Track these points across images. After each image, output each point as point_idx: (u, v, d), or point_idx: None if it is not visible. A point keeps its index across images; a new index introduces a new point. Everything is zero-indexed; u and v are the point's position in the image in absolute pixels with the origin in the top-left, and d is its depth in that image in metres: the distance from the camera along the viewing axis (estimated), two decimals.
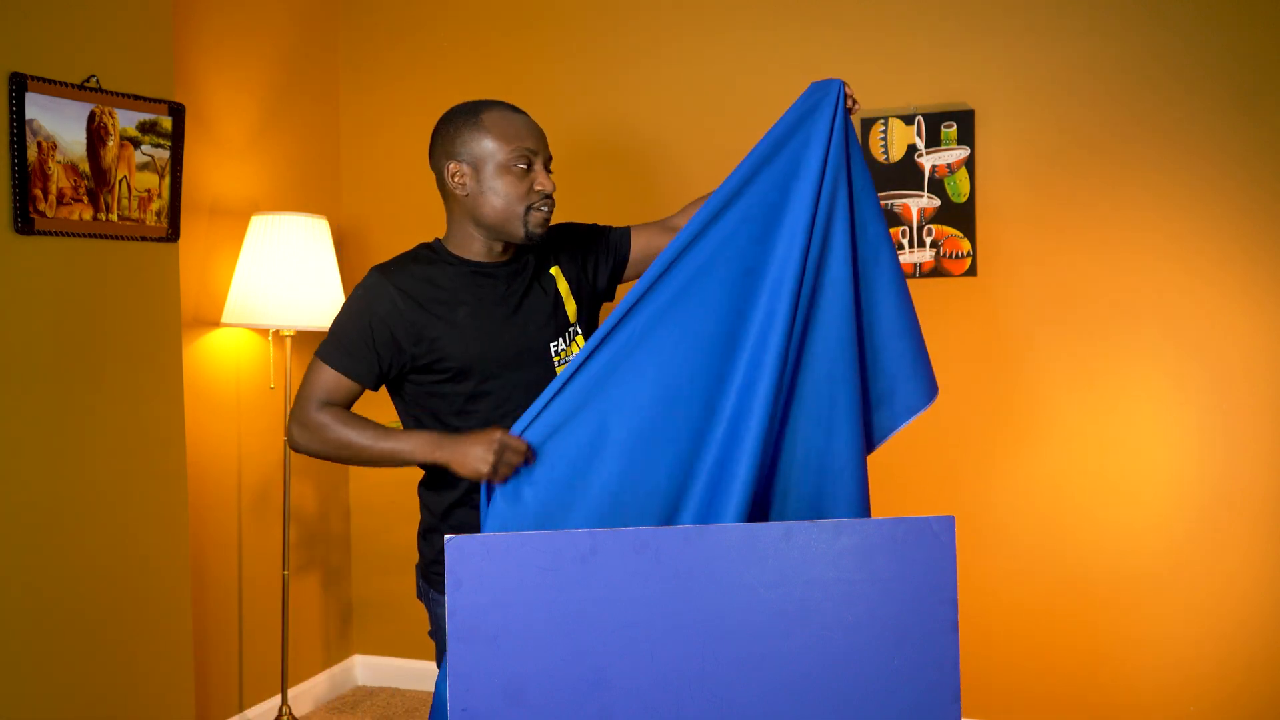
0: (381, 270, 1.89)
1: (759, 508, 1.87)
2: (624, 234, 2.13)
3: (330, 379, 1.87)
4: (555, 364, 1.92)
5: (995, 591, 2.99)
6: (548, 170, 1.92)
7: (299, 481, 3.43)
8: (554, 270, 2.00)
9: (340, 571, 3.65)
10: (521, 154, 1.87)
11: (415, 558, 3.91)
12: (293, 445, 1.92)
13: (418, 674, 3.61)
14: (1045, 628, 2.97)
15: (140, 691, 2.56)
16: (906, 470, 3.09)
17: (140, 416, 2.56)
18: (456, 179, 1.89)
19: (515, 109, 1.93)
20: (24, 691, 2.29)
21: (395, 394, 1.95)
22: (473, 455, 1.75)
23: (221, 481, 3.12)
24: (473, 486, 1.88)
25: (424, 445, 1.80)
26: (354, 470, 3.67)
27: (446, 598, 1.35)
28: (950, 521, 1.41)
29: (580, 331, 1.99)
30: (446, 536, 1.35)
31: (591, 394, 1.80)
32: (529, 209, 1.88)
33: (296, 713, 3.37)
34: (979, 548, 2.99)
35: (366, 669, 3.70)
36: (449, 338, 1.85)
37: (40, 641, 2.33)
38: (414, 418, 1.94)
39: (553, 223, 2.04)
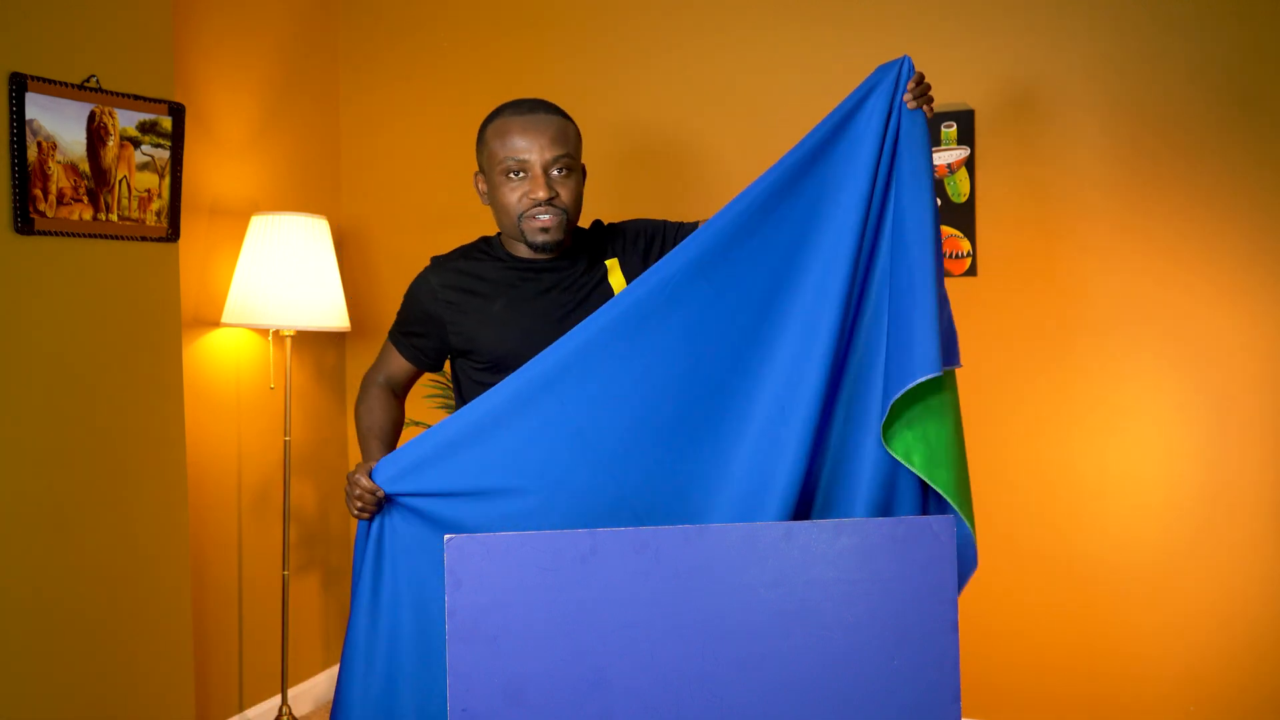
0: (434, 262, 2.00)
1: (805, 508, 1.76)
2: (691, 230, 2.06)
3: (389, 356, 2.06)
4: None
5: (995, 591, 2.99)
6: (550, 174, 1.85)
7: (299, 481, 3.43)
8: (610, 262, 1.97)
9: (340, 571, 3.64)
10: (514, 161, 1.84)
11: None
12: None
13: None
14: (1045, 628, 2.97)
15: (140, 691, 2.55)
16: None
17: (140, 416, 2.56)
18: (480, 187, 1.95)
19: (527, 109, 1.88)
20: (24, 691, 2.29)
21: (453, 369, 2.05)
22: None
23: (221, 481, 3.12)
24: None
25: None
26: None
27: (446, 598, 1.35)
28: (950, 521, 1.41)
29: None
30: (446, 536, 1.34)
31: (545, 390, 1.68)
32: (522, 216, 1.85)
33: (296, 713, 3.37)
34: (979, 547, 2.99)
35: None
36: (482, 330, 1.89)
37: (40, 641, 2.33)
38: (459, 396, 2.03)
39: (607, 220, 2.07)
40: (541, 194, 1.83)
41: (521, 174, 1.84)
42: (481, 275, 1.93)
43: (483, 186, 1.94)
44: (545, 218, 1.84)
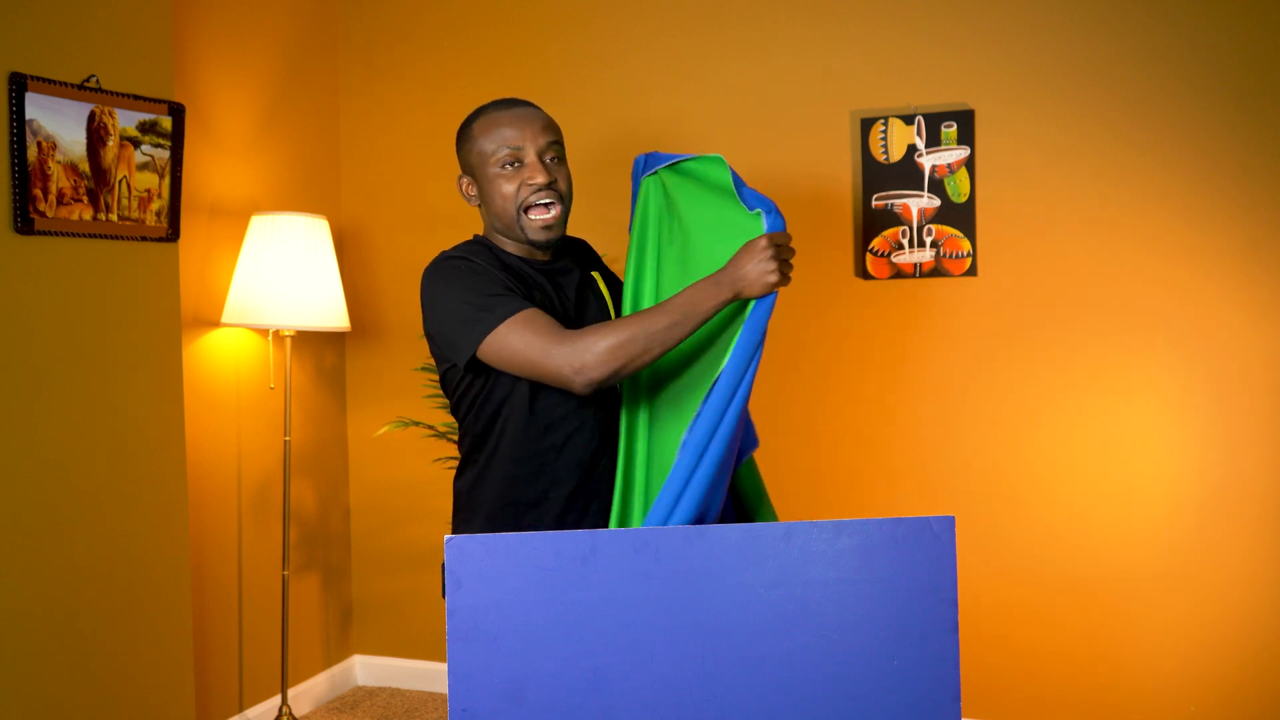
0: (455, 249, 1.82)
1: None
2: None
3: (531, 316, 1.70)
4: None
5: (995, 591, 2.99)
6: (545, 160, 1.80)
7: (299, 481, 3.43)
8: (595, 275, 1.97)
9: (340, 571, 3.65)
10: (508, 152, 1.79)
11: (416, 557, 3.90)
12: (590, 378, 1.67)
13: (418, 674, 3.61)
14: (1045, 628, 2.97)
15: (140, 692, 2.55)
16: (907, 470, 3.09)
17: (140, 416, 2.56)
18: (469, 191, 1.87)
19: (510, 104, 1.84)
20: (24, 691, 2.29)
21: (455, 385, 1.84)
22: (756, 274, 1.66)
23: (221, 481, 3.12)
24: (507, 486, 1.82)
25: (711, 293, 1.68)
26: (354, 470, 3.67)
27: (446, 598, 1.35)
28: (950, 521, 1.41)
29: None
30: (446, 536, 1.34)
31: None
32: (524, 208, 1.79)
33: (296, 713, 3.37)
34: (979, 548, 2.99)
35: (366, 669, 3.70)
36: None
37: (40, 642, 2.33)
38: (468, 413, 1.84)
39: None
40: (541, 178, 1.78)
41: (517, 163, 1.79)
42: (508, 271, 1.82)
43: (471, 190, 1.87)
44: (546, 201, 1.80)
